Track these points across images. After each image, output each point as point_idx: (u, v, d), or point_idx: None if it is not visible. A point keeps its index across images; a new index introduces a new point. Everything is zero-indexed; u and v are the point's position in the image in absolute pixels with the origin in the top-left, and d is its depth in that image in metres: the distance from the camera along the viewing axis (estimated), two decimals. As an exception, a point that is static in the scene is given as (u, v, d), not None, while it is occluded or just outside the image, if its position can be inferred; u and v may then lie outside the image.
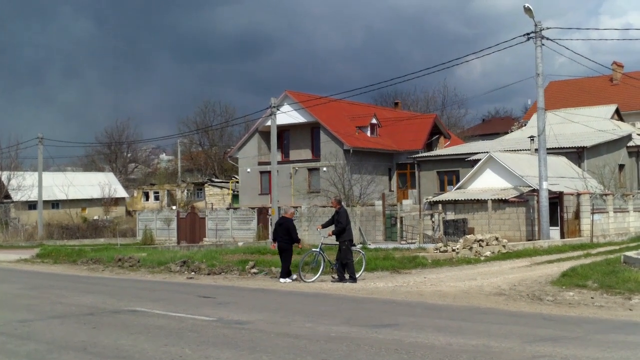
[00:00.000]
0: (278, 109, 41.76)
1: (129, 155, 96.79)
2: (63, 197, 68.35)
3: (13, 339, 11.26)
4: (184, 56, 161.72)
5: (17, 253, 33.27)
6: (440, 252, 23.69)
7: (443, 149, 50.59)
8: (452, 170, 42.95)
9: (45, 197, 56.33)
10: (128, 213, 72.02)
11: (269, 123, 42.89)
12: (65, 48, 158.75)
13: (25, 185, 62.47)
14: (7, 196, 63.21)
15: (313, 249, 19.17)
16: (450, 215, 33.15)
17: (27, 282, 21.19)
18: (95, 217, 63.61)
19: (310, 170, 50.59)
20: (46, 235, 49.80)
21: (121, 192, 76.27)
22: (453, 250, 23.49)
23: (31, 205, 62.40)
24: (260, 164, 52.07)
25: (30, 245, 40.73)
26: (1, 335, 11.70)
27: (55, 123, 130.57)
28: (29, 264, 28.67)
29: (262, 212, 42.89)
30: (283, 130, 49.75)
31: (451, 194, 34.99)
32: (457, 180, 38.51)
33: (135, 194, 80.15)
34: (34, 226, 53.24)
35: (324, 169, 47.68)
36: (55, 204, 67.80)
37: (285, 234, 19.10)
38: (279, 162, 44.34)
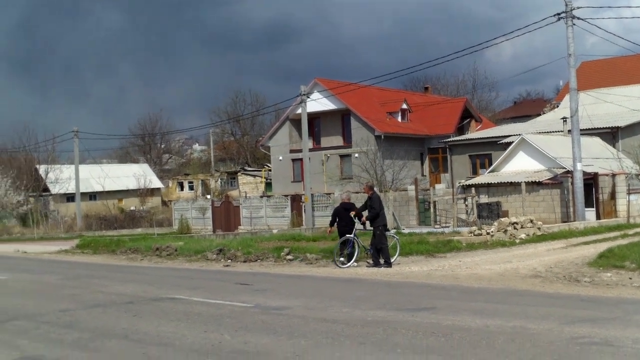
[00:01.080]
0: (308, 97, 41.81)
1: (162, 146, 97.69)
2: (100, 189, 69.36)
3: (57, 328, 11.51)
4: (214, 47, 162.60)
5: (57, 244, 33.76)
6: (474, 235, 23.63)
7: (474, 133, 50.25)
8: (484, 154, 42.66)
9: (82, 189, 57.17)
10: (164, 203, 72.78)
11: (299, 111, 42.98)
12: (98, 44, 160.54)
13: (62, 178, 63.40)
14: (46, 189, 64.24)
15: (347, 235, 19.24)
16: (484, 199, 33.00)
17: (68, 272, 21.50)
18: (132, 208, 64.33)
19: (342, 156, 50.61)
20: (85, 227, 50.46)
21: (156, 183, 77.08)
22: (487, 233, 23.40)
23: (69, 198, 63.36)
24: (292, 151, 52.20)
25: (70, 237, 41.29)
26: (45, 324, 11.96)
27: (90, 117, 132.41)
28: (69, 254, 29.04)
29: (296, 200, 43.06)
30: (314, 118, 49.78)
31: (484, 177, 34.81)
32: (490, 164, 38.29)
33: (170, 184, 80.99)
34: (73, 218, 53.98)
35: (356, 155, 47.70)
36: (92, 195, 68.77)
37: (352, 219, 19.20)
38: (310, 150, 44.45)
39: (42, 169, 63.84)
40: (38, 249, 32.14)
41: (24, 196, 52.29)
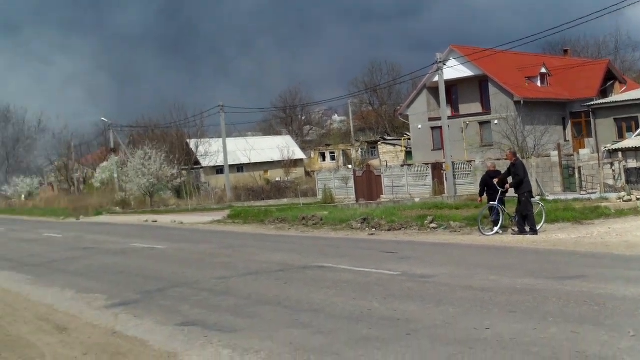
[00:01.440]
0: (444, 64, 41.25)
1: (303, 118, 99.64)
2: (246, 161, 71.76)
3: (214, 295, 12.23)
4: (350, 19, 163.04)
5: (209, 215, 35.11)
6: (623, 201, 22.74)
7: (619, 95, 47.80)
8: (631, 117, 40.58)
9: (230, 162, 59.16)
10: (307, 173, 74.30)
11: (436, 79, 42.58)
12: (239, 21, 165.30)
13: (211, 151, 66.09)
14: (197, 162, 67.23)
15: (491, 202, 19.07)
16: (632, 163, 31.57)
17: (221, 241, 22.47)
18: (277, 179, 66.01)
19: (481, 123, 49.71)
20: (234, 198, 52.05)
21: (299, 154, 78.76)
22: (638, 199, 22.44)
23: (218, 170, 65.84)
24: (430, 119, 51.86)
25: (221, 207, 42.67)
26: (203, 291, 12.73)
27: (234, 92, 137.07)
28: (221, 224, 30.08)
29: (436, 168, 42.79)
30: (451, 85, 48.99)
31: (632, 141, 33.26)
32: (637, 127, 36.57)
33: (312, 155, 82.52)
34: (223, 189, 55.99)
35: (495, 121, 46.70)
36: (239, 167, 71.20)
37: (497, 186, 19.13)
38: (449, 117, 43.95)
39: (192, 143, 66.75)
40: (192, 220, 33.53)
41: (177, 169, 54.78)
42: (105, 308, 11.99)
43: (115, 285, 14.44)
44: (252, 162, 72.08)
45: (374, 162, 63.64)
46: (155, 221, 35.57)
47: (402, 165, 49.71)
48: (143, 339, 9.43)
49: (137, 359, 8.55)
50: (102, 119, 69.28)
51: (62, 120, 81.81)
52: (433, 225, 21.39)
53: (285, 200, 48.46)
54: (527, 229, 18.18)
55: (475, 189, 35.37)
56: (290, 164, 74.30)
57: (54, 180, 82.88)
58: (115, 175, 59.76)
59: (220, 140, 57.20)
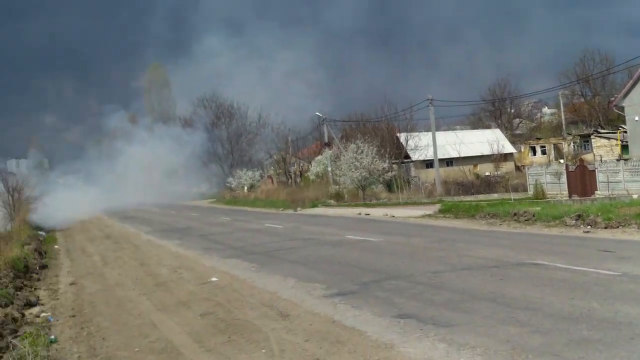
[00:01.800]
0: (665, 51, 38.56)
1: (512, 111, 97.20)
2: (455, 155, 71.40)
3: (429, 288, 12.63)
4: (558, 5, 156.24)
5: (420, 209, 35.21)
6: None
7: None
8: None
9: (439, 156, 59.05)
10: (517, 168, 72.57)
11: (668, 66, 39.90)
12: (447, 13, 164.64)
13: (420, 145, 66.36)
14: (407, 156, 67.90)
15: None
16: None
17: (434, 235, 22.68)
18: (487, 173, 65.03)
19: None
20: (444, 192, 51.87)
21: (508, 148, 77.09)
22: None
23: (428, 164, 66.05)
24: (650, 111, 48.62)
25: (431, 201, 42.66)
26: (418, 284, 13.18)
27: (442, 85, 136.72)
28: (432, 219, 30.10)
29: (658, 163, 40.26)
30: (672, 74, 45.61)
31: None
32: None
33: (522, 149, 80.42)
34: (432, 183, 56.06)
35: None
36: (448, 161, 70.92)
37: None
38: (671, 109, 41.05)
39: (402, 137, 67.36)
40: (404, 213, 33.86)
41: (388, 163, 55.47)
42: (324, 297, 12.74)
43: (333, 276, 15.21)
44: (461, 156, 71.61)
45: (587, 157, 60.81)
46: (368, 214, 36.29)
47: (617, 160, 47.18)
48: (361, 330, 10.03)
49: (355, 348, 9.12)
50: (317, 113, 71.79)
51: (280, 116, 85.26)
52: (655, 224, 20.31)
53: (495, 195, 47.67)
54: None
55: None
56: (499, 158, 72.96)
57: (273, 173, 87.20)
58: (329, 169, 61.70)
59: (430, 134, 57.34)
